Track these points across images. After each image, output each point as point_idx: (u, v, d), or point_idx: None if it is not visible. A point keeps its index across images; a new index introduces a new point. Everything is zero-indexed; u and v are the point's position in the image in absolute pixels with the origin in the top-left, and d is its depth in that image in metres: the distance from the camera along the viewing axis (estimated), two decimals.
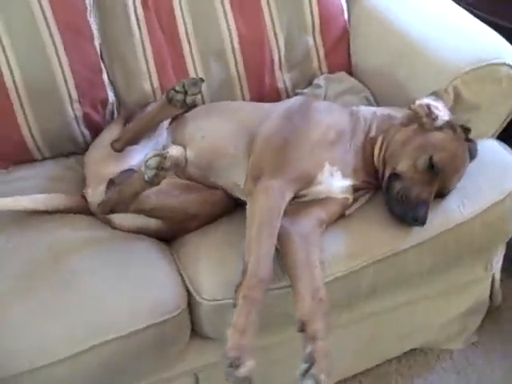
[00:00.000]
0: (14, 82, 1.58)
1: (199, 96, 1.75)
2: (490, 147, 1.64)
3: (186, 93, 1.44)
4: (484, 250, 1.63)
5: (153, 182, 1.30)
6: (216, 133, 1.55)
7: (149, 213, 1.42)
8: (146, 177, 1.29)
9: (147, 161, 1.28)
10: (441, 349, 1.81)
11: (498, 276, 1.80)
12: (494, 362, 1.78)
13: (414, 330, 1.73)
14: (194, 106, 1.67)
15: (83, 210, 1.52)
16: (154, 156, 1.27)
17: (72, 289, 1.31)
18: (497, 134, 1.71)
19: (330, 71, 1.88)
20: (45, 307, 1.28)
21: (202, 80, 1.44)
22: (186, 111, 1.61)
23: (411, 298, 1.64)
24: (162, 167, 1.28)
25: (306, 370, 1.15)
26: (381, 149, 1.47)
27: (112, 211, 1.42)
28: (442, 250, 1.49)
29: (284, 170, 1.38)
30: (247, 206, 1.35)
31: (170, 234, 1.49)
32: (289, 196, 1.36)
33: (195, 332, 1.42)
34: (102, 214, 1.46)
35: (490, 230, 1.54)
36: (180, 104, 1.46)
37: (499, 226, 1.56)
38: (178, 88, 1.44)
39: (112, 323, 1.28)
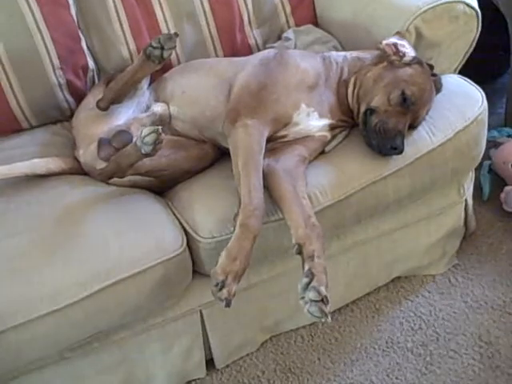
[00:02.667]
0: None
1: (174, 54, 1.83)
2: (452, 81, 1.76)
3: (162, 48, 1.51)
4: (456, 175, 1.74)
5: (150, 154, 1.38)
6: (196, 87, 1.64)
7: (144, 175, 1.51)
8: (143, 151, 1.37)
9: (144, 138, 1.35)
10: (424, 274, 1.93)
11: (470, 201, 1.93)
12: (473, 280, 1.91)
13: (398, 257, 1.85)
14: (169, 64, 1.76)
15: (77, 170, 1.59)
16: (151, 133, 1.35)
17: (77, 238, 1.40)
18: (458, 69, 1.83)
19: (298, 25, 1.97)
20: (53, 257, 1.36)
21: (176, 34, 1.51)
22: (164, 68, 1.68)
23: (393, 225, 1.76)
24: (159, 142, 1.36)
25: (307, 284, 1.25)
26: (354, 88, 1.58)
27: (110, 178, 1.50)
28: (417, 176, 1.60)
29: (260, 111, 1.47)
30: (229, 147, 1.44)
31: (162, 187, 1.58)
32: (266, 133, 1.46)
33: (196, 271, 1.51)
34: (102, 181, 1.53)
35: (459, 155, 1.65)
36: (158, 59, 1.52)
37: (467, 150, 1.68)
38: (154, 44, 1.51)
39: (118, 266, 1.37)
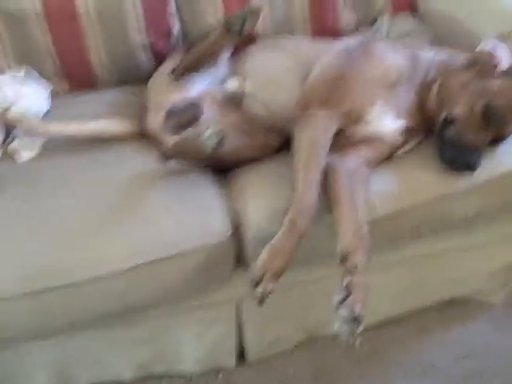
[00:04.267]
0: (86, 8, 1.64)
1: (261, 26, 1.77)
2: None
3: (243, 22, 1.46)
4: None
5: (211, 154, 1.34)
6: (273, 67, 1.58)
7: (207, 158, 1.46)
8: (205, 149, 1.33)
9: (207, 139, 1.31)
10: (481, 300, 1.81)
11: None
12: None
13: (455, 278, 1.74)
14: (253, 38, 1.70)
15: (143, 134, 1.58)
16: (214, 136, 1.31)
17: (130, 210, 1.38)
18: None
19: (395, 11, 1.87)
20: (103, 225, 1.35)
21: (259, 9, 1.46)
22: (245, 41, 1.64)
23: (455, 245, 1.65)
24: (221, 144, 1.32)
25: (342, 300, 1.19)
26: (438, 92, 1.46)
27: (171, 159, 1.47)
28: (489, 198, 1.48)
29: (334, 102, 1.40)
30: (294, 136, 1.38)
31: (222, 168, 1.54)
32: (334, 128, 1.38)
33: (240, 262, 1.47)
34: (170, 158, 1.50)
35: None
36: (237, 33, 1.48)
37: None
38: (236, 17, 1.46)
39: (162, 245, 1.34)
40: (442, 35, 1.78)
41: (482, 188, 1.45)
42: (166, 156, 1.45)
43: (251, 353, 1.67)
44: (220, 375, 1.67)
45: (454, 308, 1.80)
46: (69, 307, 1.34)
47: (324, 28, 1.83)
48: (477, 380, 1.63)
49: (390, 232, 1.46)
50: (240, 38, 1.52)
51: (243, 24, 1.47)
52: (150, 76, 1.74)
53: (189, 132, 1.42)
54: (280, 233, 1.26)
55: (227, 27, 1.48)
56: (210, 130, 1.32)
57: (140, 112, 1.62)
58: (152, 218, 1.37)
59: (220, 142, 1.32)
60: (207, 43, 1.57)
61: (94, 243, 1.33)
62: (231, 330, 1.60)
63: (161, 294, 1.41)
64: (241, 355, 1.68)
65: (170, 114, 1.48)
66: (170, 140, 1.47)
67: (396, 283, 1.68)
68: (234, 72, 1.64)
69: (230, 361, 1.66)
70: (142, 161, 1.50)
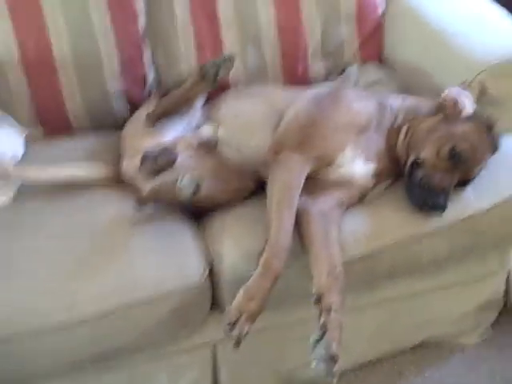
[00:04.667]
0: (62, 55, 1.68)
1: (234, 77, 1.83)
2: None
3: (218, 69, 1.50)
4: (500, 244, 1.66)
5: (188, 201, 1.37)
6: (248, 113, 1.63)
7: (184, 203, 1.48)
8: (181, 197, 1.35)
9: (183, 187, 1.33)
10: (454, 342, 1.84)
11: None
12: (506, 358, 1.80)
13: (429, 320, 1.77)
14: (226, 87, 1.76)
15: (118, 180, 1.59)
16: (190, 183, 1.33)
17: (106, 251, 1.39)
18: None
19: (363, 62, 1.94)
20: (75, 268, 1.36)
21: (233, 57, 1.51)
22: (218, 90, 1.68)
23: (426, 286, 1.68)
24: (198, 192, 1.34)
25: (319, 339, 1.21)
26: (405, 136, 1.52)
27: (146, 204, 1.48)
28: (457, 239, 1.52)
29: (306, 146, 1.44)
30: (268, 179, 1.41)
31: (198, 212, 1.55)
32: (306, 171, 1.42)
33: (215, 305, 1.48)
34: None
35: (506, 223, 1.56)
36: (212, 80, 1.52)
37: None
38: (210, 64, 1.51)
39: (139, 286, 1.35)
40: (408, 84, 1.84)
41: (450, 229, 1.49)
42: (142, 201, 1.47)
43: None
44: None
45: (428, 350, 1.82)
46: (39, 353, 1.33)
47: (295, 77, 1.89)
48: None
49: (364, 273, 1.49)
50: (214, 86, 1.56)
51: (217, 71, 1.51)
52: (125, 122, 1.75)
53: (165, 178, 1.45)
54: (255, 274, 1.27)
55: (202, 74, 1.53)
56: (186, 176, 1.34)
57: (115, 158, 1.64)
58: (127, 262, 1.37)
59: (196, 189, 1.34)
60: (182, 90, 1.61)
61: (68, 287, 1.33)
62: (206, 375, 1.60)
63: (135, 339, 1.40)
64: None
65: (145, 158, 1.50)
66: (146, 185, 1.49)
67: (371, 325, 1.70)
68: (208, 119, 1.68)
69: None
70: (118, 206, 1.51)
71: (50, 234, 1.42)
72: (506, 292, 1.84)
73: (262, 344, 1.58)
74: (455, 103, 1.50)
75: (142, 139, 1.60)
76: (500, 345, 1.84)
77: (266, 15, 1.81)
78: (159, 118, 1.61)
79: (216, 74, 1.51)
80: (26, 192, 1.53)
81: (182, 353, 1.53)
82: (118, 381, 1.52)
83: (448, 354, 1.82)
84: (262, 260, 1.29)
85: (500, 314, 1.87)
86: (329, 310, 1.25)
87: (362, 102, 1.56)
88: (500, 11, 1.82)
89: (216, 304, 1.48)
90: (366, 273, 1.49)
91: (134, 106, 1.78)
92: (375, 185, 1.54)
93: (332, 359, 1.19)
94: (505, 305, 1.87)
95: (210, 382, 1.61)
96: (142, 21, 1.77)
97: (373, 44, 1.94)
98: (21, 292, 1.31)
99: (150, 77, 1.81)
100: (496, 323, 1.87)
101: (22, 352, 1.31)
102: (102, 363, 1.46)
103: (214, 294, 1.46)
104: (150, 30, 1.79)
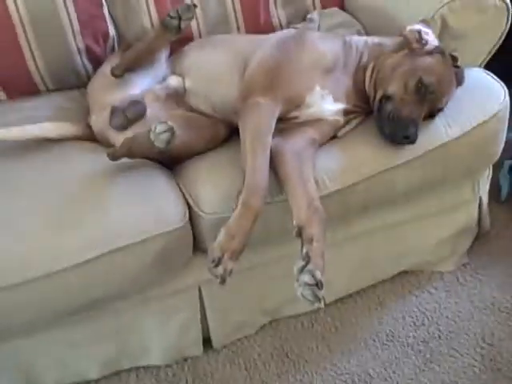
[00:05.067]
0: (19, 15, 1.65)
1: (196, 27, 1.83)
2: (476, 74, 1.71)
3: (180, 18, 1.49)
4: (471, 171, 1.71)
5: (163, 150, 1.36)
6: (212, 62, 1.63)
7: (158, 154, 1.48)
8: (156, 146, 1.35)
9: (158, 135, 1.33)
10: (432, 270, 1.89)
11: (485, 200, 1.88)
12: (482, 280, 1.86)
13: (406, 251, 1.82)
14: (189, 39, 1.76)
15: (89, 137, 1.59)
16: (165, 131, 1.33)
17: (79, 204, 1.39)
18: (484, 63, 1.77)
19: (324, 7, 1.94)
20: (52, 221, 1.36)
21: (194, 6, 1.50)
22: (181, 42, 1.68)
23: (402, 217, 1.73)
24: (172, 139, 1.34)
25: (303, 267, 1.24)
26: (372, 74, 1.55)
27: (119, 159, 1.46)
28: (429, 169, 1.57)
29: (273, 89, 1.45)
30: (239, 124, 1.42)
31: (171, 162, 1.56)
32: (276, 113, 1.44)
33: (198, 247, 1.50)
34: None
35: (475, 151, 1.62)
36: (175, 30, 1.51)
37: (484, 146, 1.64)
38: (172, 14, 1.50)
39: (118, 235, 1.36)
40: (371, 27, 1.86)
41: (421, 159, 1.54)
42: (115, 155, 1.45)
43: (216, 339, 1.69)
44: (187, 364, 1.68)
45: (407, 279, 1.88)
46: (26, 305, 1.33)
47: (257, 26, 1.88)
48: (435, 343, 1.70)
49: (339, 207, 1.52)
50: (178, 36, 1.55)
51: (180, 20, 1.50)
52: (88, 80, 1.75)
53: (137, 130, 1.45)
54: (235, 214, 1.29)
55: (164, 25, 1.51)
56: (159, 125, 1.34)
57: (82, 114, 1.63)
58: (107, 211, 1.38)
59: (171, 136, 1.34)
60: (145, 42, 1.60)
61: (48, 239, 1.33)
62: (195, 316, 1.62)
63: (121, 285, 1.42)
64: (207, 342, 1.69)
65: (115, 111, 1.51)
66: (118, 138, 1.49)
67: (350, 259, 1.74)
68: (173, 71, 1.68)
69: (197, 349, 1.68)
70: (91, 159, 1.50)
71: (24, 192, 1.41)
72: (479, 219, 1.90)
73: (246, 284, 1.62)
74: (418, 37, 1.53)
75: (108, 93, 1.59)
76: (476, 269, 1.90)
77: None
78: (124, 71, 1.60)
79: (178, 25, 1.50)
80: None
81: (168, 296, 1.55)
82: (107, 327, 1.54)
83: (427, 281, 1.88)
84: (240, 199, 1.30)
85: (474, 240, 1.94)
86: (311, 240, 1.28)
87: (326, 43, 1.58)
88: None
89: (198, 247, 1.49)
90: (342, 207, 1.53)
91: (97, 63, 1.76)
92: (346, 122, 1.56)
93: (317, 285, 1.22)
94: (478, 231, 1.94)
95: (199, 323, 1.64)
96: None
97: None
98: (1, 246, 1.31)
99: (111, 33, 1.79)
100: (471, 250, 1.94)
101: (8, 303, 1.31)
102: (90, 312, 1.47)
103: (195, 236, 1.47)
104: None
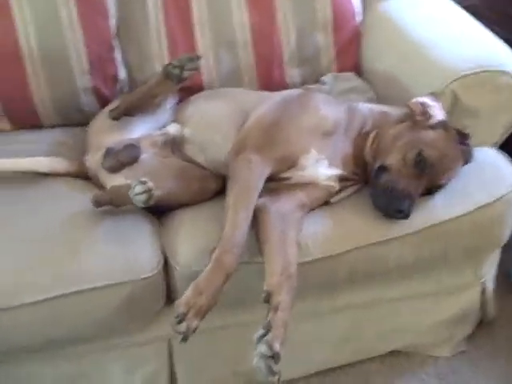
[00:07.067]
0: (29, 49, 1.67)
1: (207, 79, 1.83)
2: (487, 154, 1.64)
3: (182, 68, 1.48)
4: (473, 253, 1.63)
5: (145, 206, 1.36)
6: (213, 113, 1.62)
7: None
8: (135, 203, 1.35)
9: (135, 195, 1.33)
10: (426, 354, 1.79)
11: (490, 286, 1.77)
12: (479, 373, 1.74)
13: (398, 330, 1.73)
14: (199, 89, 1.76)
15: (81, 174, 1.58)
16: (143, 193, 1.33)
17: (52, 239, 1.38)
18: (498, 143, 1.71)
19: (340, 70, 1.92)
20: (20, 253, 1.35)
21: (198, 57, 1.49)
22: (193, 91, 1.70)
23: (395, 294, 1.65)
24: (150, 200, 1.34)
25: (262, 336, 1.18)
26: (373, 142, 1.51)
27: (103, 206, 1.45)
28: (425, 247, 1.50)
29: (268, 148, 1.42)
30: (227, 177, 1.39)
31: (157, 209, 1.52)
32: (267, 172, 1.40)
33: (171, 299, 1.45)
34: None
35: (478, 233, 1.54)
36: (176, 79, 1.49)
37: (488, 229, 1.56)
38: (174, 63, 1.48)
39: (89, 274, 1.33)
40: (384, 94, 1.83)
41: (416, 236, 1.47)
42: (99, 202, 1.44)
43: None
44: None
45: (398, 360, 1.78)
46: None
47: (271, 83, 1.87)
48: None
49: (324, 276, 1.46)
50: (179, 85, 1.54)
51: (181, 71, 1.49)
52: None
53: (129, 174, 1.45)
54: (206, 270, 1.24)
55: (166, 73, 1.50)
56: (138, 186, 1.33)
57: (80, 153, 1.63)
58: (80, 250, 1.36)
59: (149, 198, 1.33)
60: (146, 87, 1.59)
61: (18, 270, 1.32)
62: (162, 369, 1.57)
63: (86, 328, 1.38)
64: None
65: (109, 152, 1.50)
66: (109, 181, 1.49)
67: (333, 332, 1.66)
68: (175, 118, 1.67)
69: None
70: (79, 198, 1.49)
71: (7, 221, 1.41)
72: (482, 305, 1.79)
73: (220, 342, 1.57)
74: (423, 110, 1.49)
75: (107, 134, 1.58)
76: (474, 359, 1.79)
77: (239, 18, 1.80)
78: (122, 113, 1.59)
79: (180, 74, 1.49)
80: None
81: (135, 346, 1.51)
82: (69, 370, 1.50)
83: (418, 366, 1.77)
84: (213, 256, 1.26)
85: (477, 327, 1.83)
86: (276, 309, 1.22)
87: (330, 107, 1.55)
88: (472, 20, 1.81)
89: (172, 298, 1.45)
90: (326, 275, 1.46)
91: (104, 104, 1.76)
92: (341, 189, 1.52)
93: (273, 357, 1.15)
94: (482, 319, 1.82)
95: (166, 377, 1.58)
96: (113, 19, 1.77)
97: (350, 53, 1.92)
98: None
99: (122, 75, 1.80)
100: (471, 338, 1.82)
101: None
102: (53, 352, 1.44)
103: (169, 288, 1.44)
104: (121, 28, 1.79)
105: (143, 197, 1.33)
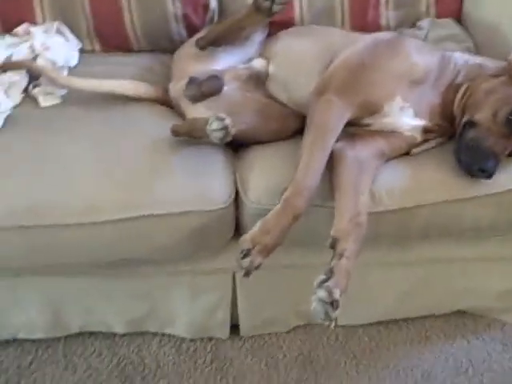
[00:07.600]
0: None
1: (299, 15, 1.78)
2: None
3: (273, 1, 1.43)
4: None
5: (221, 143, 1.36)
6: (299, 50, 1.58)
7: None
8: (211, 139, 1.35)
9: (212, 131, 1.33)
10: (492, 318, 1.74)
11: None
12: None
13: (467, 290, 1.68)
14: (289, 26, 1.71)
15: (165, 101, 1.60)
16: (220, 129, 1.32)
17: (132, 164, 1.40)
18: None
19: (438, 16, 1.82)
20: (104, 173, 1.38)
21: None
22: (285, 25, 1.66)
23: (468, 254, 1.59)
24: (227, 136, 1.33)
25: (323, 281, 1.18)
26: (464, 95, 1.43)
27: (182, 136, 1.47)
28: (503, 210, 1.43)
29: (351, 90, 1.38)
30: (307, 117, 1.37)
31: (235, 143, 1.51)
32: (347, 116, 1.36)
33: (240, 233, 1.45)
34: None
35: None
36: (266, 12, 1.44)
37: None
38: None
39: (163, 201, 1.35)
40: (483, 45, 1.73)
41: (495, 199, 1.40)
42: (177, 133, 1.46)
43: (244, 328, 1.67)
44: (211, 344, 1.68)
45: (463, 320, 1.75)
46: (57, 248, 1.36)
47: (364, 24, 1.80)
48: None
49: (397, 228, 1.43)
50: (269, 18, 1.49)
51: (272, 3, 1.44)
52: None
53: (211, 105, 1.45)
54: (275, 209, 1.24)
55: (257, 5, 1.47)
56: (215, 122, 1.33)
57: (166, 79, 1.64)
58: (156, 176, 1.38)
59: (226, 135, 1.33)
60: (234, 19, 1.56)
61: (90, 190, 1.35)
62: (225, 300, 1.60)
63: (151, 251, 1.42)
64: (236, 328, 1.67)
65: (192, 82, 1.49)
66: (190, 110, 1.50)
67: (401, 283, 1.64)
68: (262, 53, 1.64)
69: (223, 332, 1.67)
70: (159, 124, 1.50)
71: (87, 140, 1.45)
72: None
73: (281, 282, 1.58)
74: None
75: (191, 63, 1.58)
76: None
77: None
78: (210, 43, 1.58)
79: (270, 7, 1.45)
80: (73, 100, 1.57)
81: (202, 274, 1.55)
82: (139, 288, 1.57)
83: (485, 329, 1.73)
84: (283, 197, 1.25)
85: None
86: (340, 256, 1.21)
87: (422, 54, 1.47)
88: None
89: (240, 232, 1.46)
90: (398, 228, 1.43)
91: (192, 33, 1.75)
92: (424, 141, 1.46)
93: (332, 304, 1.15)
94: None
95: (228, 308, 1.62)
96: None
97: None
98: (48, 187, 1.35)
99: (213, 4, 1.78)
100: None
101: (41, 244, 1.35)
102: (123, 269, 1.50)
103: (238, 222, 1.45)
104: None
105: (220, 133, 1.33)
